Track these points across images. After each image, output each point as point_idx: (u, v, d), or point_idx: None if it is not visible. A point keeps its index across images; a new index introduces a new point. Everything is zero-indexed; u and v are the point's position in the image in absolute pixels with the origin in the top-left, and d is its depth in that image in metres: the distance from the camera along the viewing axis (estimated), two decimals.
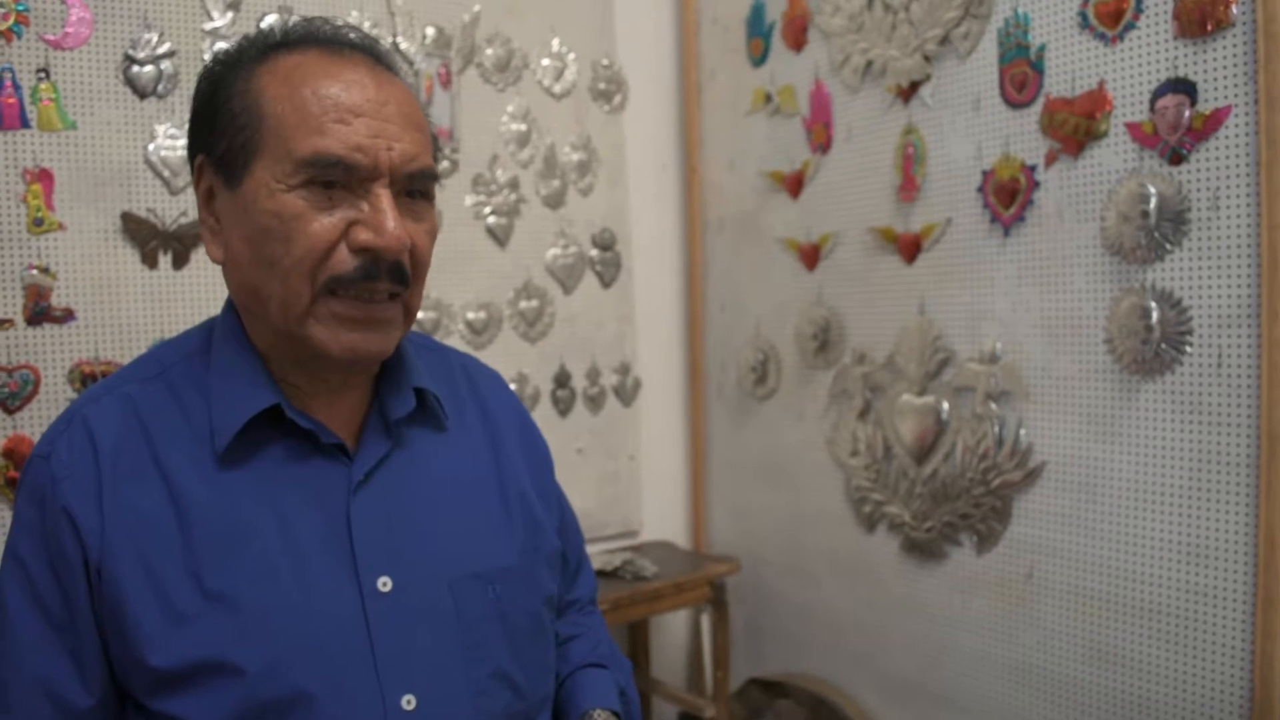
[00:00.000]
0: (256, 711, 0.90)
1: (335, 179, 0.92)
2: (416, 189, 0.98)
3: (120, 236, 1.81)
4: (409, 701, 0.95)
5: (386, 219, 0.93)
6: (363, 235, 0.93)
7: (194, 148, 1.02)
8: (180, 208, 1.85)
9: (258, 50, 0.98)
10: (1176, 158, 1.57)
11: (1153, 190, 1.60)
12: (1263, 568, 1.49)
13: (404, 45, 2.14)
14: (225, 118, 0.96)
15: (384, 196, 0.93)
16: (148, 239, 1.82)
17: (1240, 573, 1.53)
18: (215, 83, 0.99)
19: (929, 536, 2.01)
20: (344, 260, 0.93)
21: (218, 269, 1.85)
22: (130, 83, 1.81)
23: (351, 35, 1.01)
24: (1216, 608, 1.56)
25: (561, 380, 2.42)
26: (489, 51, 2.28)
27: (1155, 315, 1.61)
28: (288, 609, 0.93)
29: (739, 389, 2.52)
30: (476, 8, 2.25)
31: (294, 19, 1.88)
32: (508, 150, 2.32)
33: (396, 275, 0.95)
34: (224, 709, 0.89)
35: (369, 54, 1.00)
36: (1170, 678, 1.62)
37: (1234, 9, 1.49)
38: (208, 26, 1.88)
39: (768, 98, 2.37)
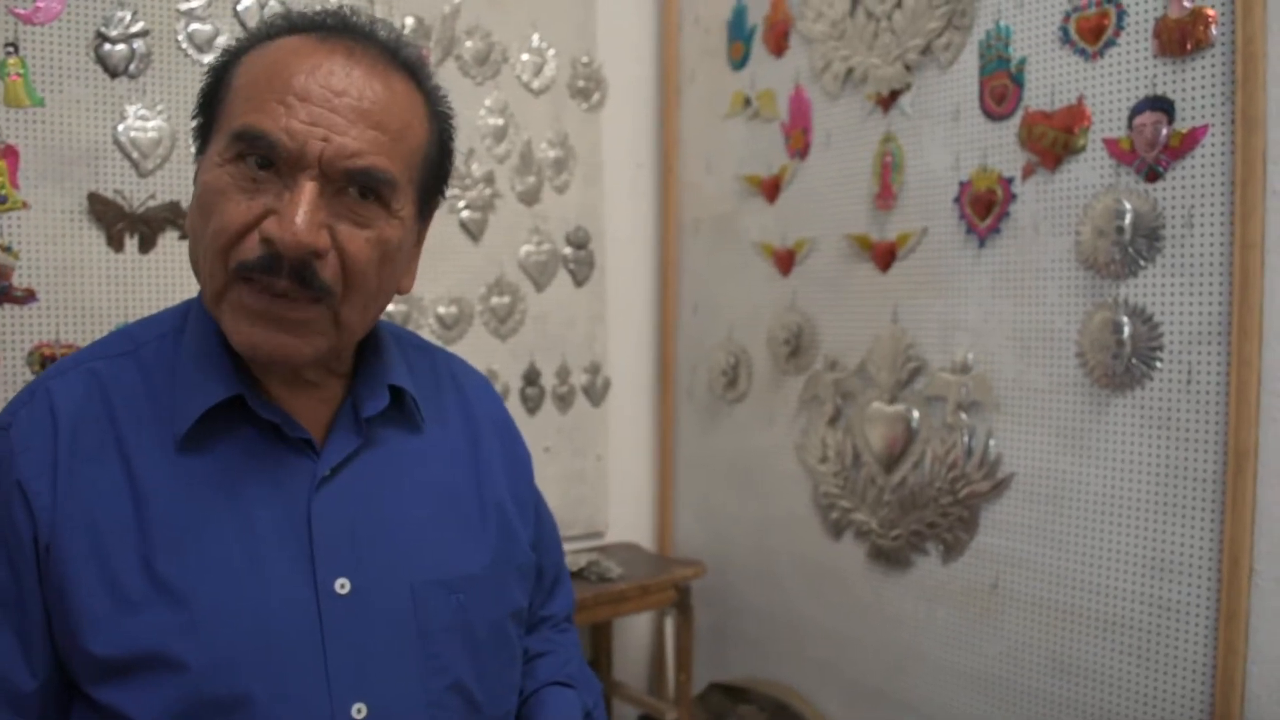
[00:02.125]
0: (197, 709, 0.87)
1: (262, 156, 0.89)
2: (367, 191, 0.92)
3: (86, 217, 1.77)
4: (359, 710, 0.92)
5: (295, 212, 0.87)
6: (269, 224, 0.88)
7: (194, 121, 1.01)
8: (149, 190, 1.82)
9: (261, 37, 0.96)
10: (1152, 175, 1.58)
11: (1128, 206, 1.61)
12: (1225, 583, 1.50)
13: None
14: (212, 94, 0.96)
15: (306, 189, 0.88)
16: (114, 221, 1.79)
17: (1204, 588, 1.54)
18: (222, 65, 0.97)
19: (895, 545, 2.01)
20: (252, 247, 0.89)
21: (185, 253, 1.83)
22: (101, 61, 1.77)
23: (363, 25, 0.97)
24: (1180, 622, 1.57)
25: (531, 378, 2.40)
26: (468, 44, 2.26)
27: (1127, 330, 1.62)
28: (239, 605, 0.90)
29: (709, 392, 2.51)
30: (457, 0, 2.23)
31: (271, 2, 1.84)
32: (484, 144, 2.30)
33: (299, 276, 0.89)
34: (163, 704, 0.86)
35: (374, 46, 0.96)
36: (1133, 691, 1.63)
37: (1213, 29, 1.51)
38: (183, 7, 1.84)
39: (747, 101, 2.37)
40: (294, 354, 0.93)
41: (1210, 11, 1.50)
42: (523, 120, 2.36)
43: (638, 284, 2.67)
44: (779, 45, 2.28)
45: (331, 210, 0.91)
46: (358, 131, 0.90)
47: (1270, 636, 1.48)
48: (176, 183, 1.84)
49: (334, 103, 0.90)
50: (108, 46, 1.77)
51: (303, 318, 0.92)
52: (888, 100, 2.01)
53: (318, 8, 1.00)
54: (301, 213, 0.87)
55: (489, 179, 2.30)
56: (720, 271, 2.47)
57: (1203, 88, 1.53)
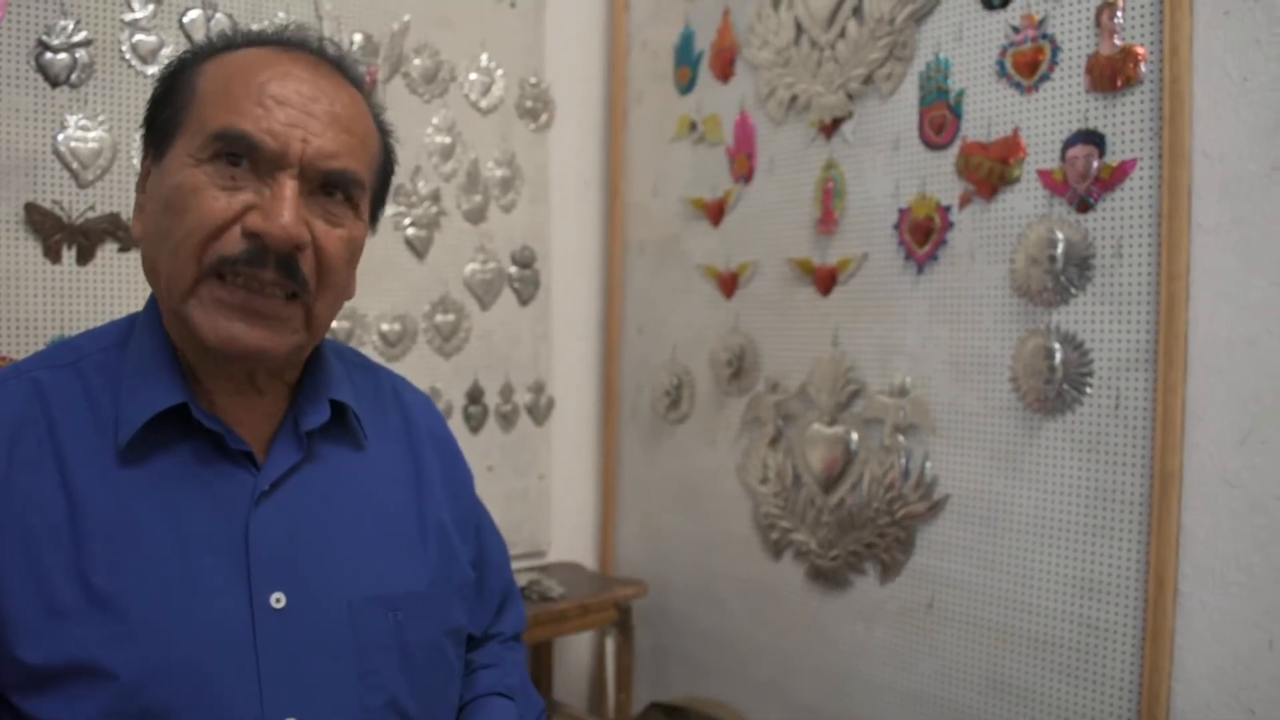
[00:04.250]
0: None
1: (240, 155, 0.91)
2: (338, 191, 0.97)
3: (23, 228, 1.73)
4: None
5: (282, 207, 0.91)
6: (253, 219, 0.91)
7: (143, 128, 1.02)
8: (88, 201, 1.79)
9: (219, 47, 0.99)
10: (1084, 206, 1.63)
11: (1060, 236, 1.66)
12: (1151, 603, 1.54)
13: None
14: (167, 99, 0.97)
15: (287, 186, 0.92)
16: (52, 232, 1.76)
17: (1130, 608, 1.58)
18: (174, 71, 0.99)
19: (834, 565, 2.04)
20: (233, 241, 0.91)
21: (124, 266, 1.82)
22: (42, 70, 1.74)
23: (315, 41, 1.02)
24: (1107, 641, 1.61)
25: (474, 396, 2.40)
26: (416, 62, 2.26)
27: (1058, 356, 1.66)
28: (172, 618, 0.89)
29: (652, 412, 2.52)
30: (406, 17, 2.23)
31: (218, 16, 1.84)
32: (430, 162, 2.30)
33: (285, 268, 0.92)
34: (92, 714, 0.85)
35: (327, 60, 1.00)
36: (1062, 709, 1.66)
37: (1143, 67, 1.56)
38: (127, 18, 1.82)
39: (693, 125, 2.40)
40: (271, 349, 0.94)
41: (1140, 50, 1.56)
42: (470, 139, 2.37)
43: (583, 304, 2.68)
44: (725, 71, 2.31)
45: (308, 208, 0.94)
46: (333, 134, 0.95)
47: (1194, 656, 1.52)
48: (116, 194, 1.82)
49: (310, 108, 0.94)
50: (49, 55, 1.74)
51: (280, 314, 0.94)
52: (830, 128, 2.05)
53: (266, 24, 1.01)
54: (288, 207, 0.91)
55: (435, 197, 2.30)
56: (665, 293, 2.49)
57: (1132, 123, 1.58)
